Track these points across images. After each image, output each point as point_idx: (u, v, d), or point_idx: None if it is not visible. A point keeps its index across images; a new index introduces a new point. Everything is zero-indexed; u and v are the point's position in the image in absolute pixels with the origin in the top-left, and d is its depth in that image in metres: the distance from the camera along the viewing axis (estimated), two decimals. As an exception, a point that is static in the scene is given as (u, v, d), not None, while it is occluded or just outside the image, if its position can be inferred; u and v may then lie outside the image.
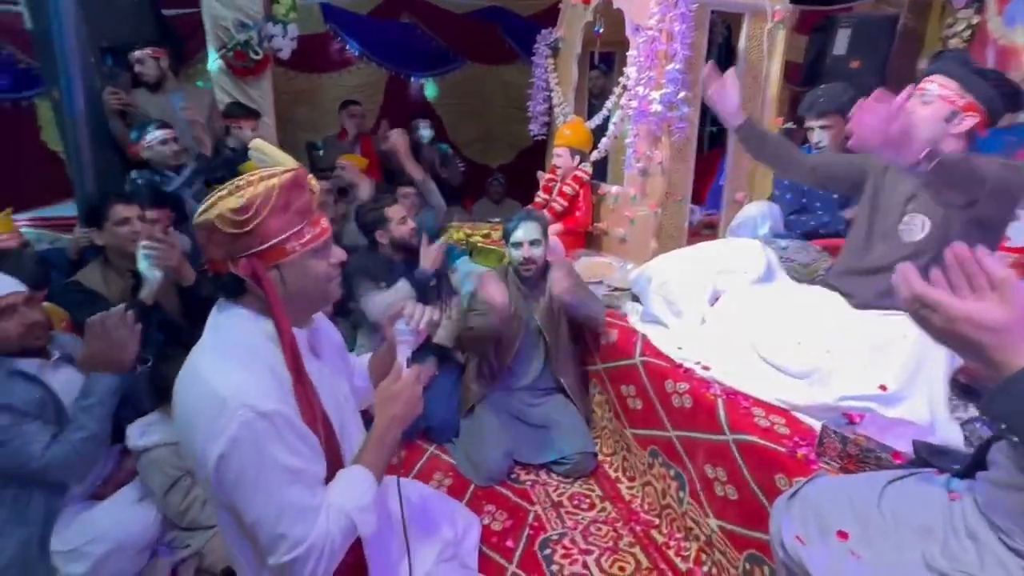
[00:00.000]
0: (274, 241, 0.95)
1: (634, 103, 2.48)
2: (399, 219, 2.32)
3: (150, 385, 1.64)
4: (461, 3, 5.15)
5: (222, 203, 0.92)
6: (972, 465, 0.92)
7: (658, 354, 1.93)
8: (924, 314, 0.70)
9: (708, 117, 3.36)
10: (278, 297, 0.97)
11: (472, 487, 2.08)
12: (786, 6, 2.51)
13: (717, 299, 2.00)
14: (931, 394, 1.40)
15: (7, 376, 1.49)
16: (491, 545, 1.76)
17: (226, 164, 2.77)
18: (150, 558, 1.63)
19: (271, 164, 1.02)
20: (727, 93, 1.78)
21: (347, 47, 4.82)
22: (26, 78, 3.94)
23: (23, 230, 2.81)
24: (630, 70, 2.52)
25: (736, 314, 1.88)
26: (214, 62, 3.30)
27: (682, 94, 2.35)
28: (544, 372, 2.30)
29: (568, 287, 2.07)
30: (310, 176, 1.04)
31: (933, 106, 1.44)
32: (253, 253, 0.94)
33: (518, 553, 1.75)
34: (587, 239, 3.12)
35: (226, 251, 0.94)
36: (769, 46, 2.55)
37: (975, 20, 3.13)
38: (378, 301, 2.18)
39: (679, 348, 1.93)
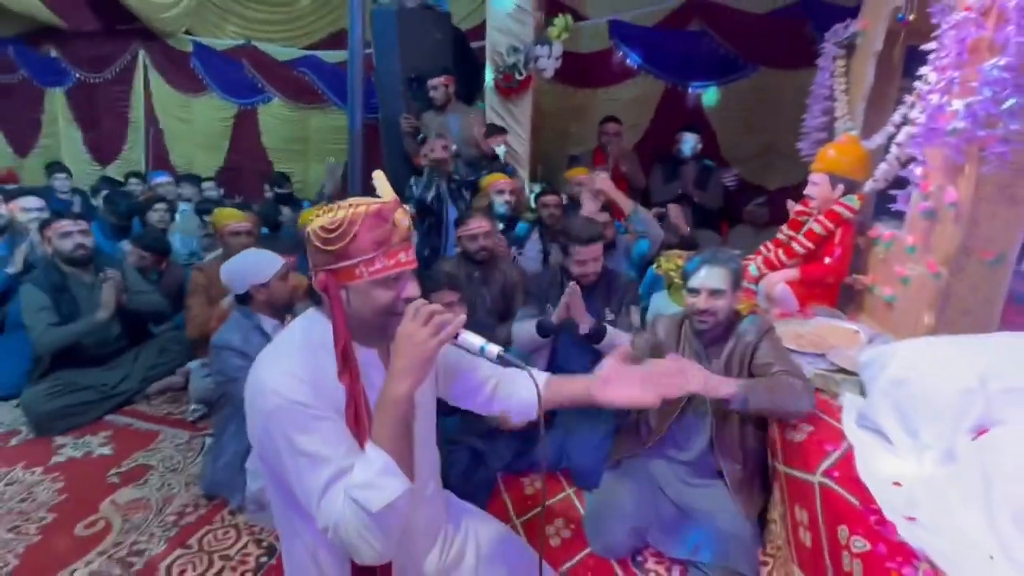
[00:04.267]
0: (347, 263, 1.01)
1: (922, 117, 1.74)
2: (578, 260, 2.17)
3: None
4: (766, 2, 4.53)
5: (319, 219, 1.02)
6: None
7: (852, 481, 1.33)
8: None
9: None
10: (342, 311, 1.03)
11: (586, 551, 1.84)
12: None
13: (983, 429, 1.26)
14: None
15: (251, 329, 2.02)
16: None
17: (468, 181, 3.17)
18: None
19: (382, 194, 1.08)
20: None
21: (628, 61, 4.81)
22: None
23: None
24: (927, 70, 1.78)
25: (1012, 463, 1.15)
26: (489, 83, 3.73)
27: (1009, 103, 1.52)
28: (710, 449, 1.86)
29: (730, 392, 1.55)
30: (399, 211, 1.06)
31: None
32: (329, 269, 1.03)
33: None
34: (841, 293, 2.37)
35: (314, 261, 1.05)
36: None
37: None
38: (520, 329, 2.19)
39: (895, 484, 1.29)
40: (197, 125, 6.18)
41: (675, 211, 3.45)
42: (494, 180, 3.14)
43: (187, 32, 5.98)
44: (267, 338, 2.01)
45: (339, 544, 0.94)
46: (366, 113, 5.71)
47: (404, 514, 0.97)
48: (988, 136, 1.58)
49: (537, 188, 3.75)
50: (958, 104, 1.61)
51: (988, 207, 1.69)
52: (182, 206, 4.51)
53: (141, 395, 2.84)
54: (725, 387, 1.56)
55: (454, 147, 3.44)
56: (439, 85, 3.62)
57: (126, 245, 3.33)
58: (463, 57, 4.22)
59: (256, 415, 1.00)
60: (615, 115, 4.10)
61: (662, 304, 2.45)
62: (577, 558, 1.81)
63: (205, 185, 4.88)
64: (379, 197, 1.07)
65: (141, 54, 6.07)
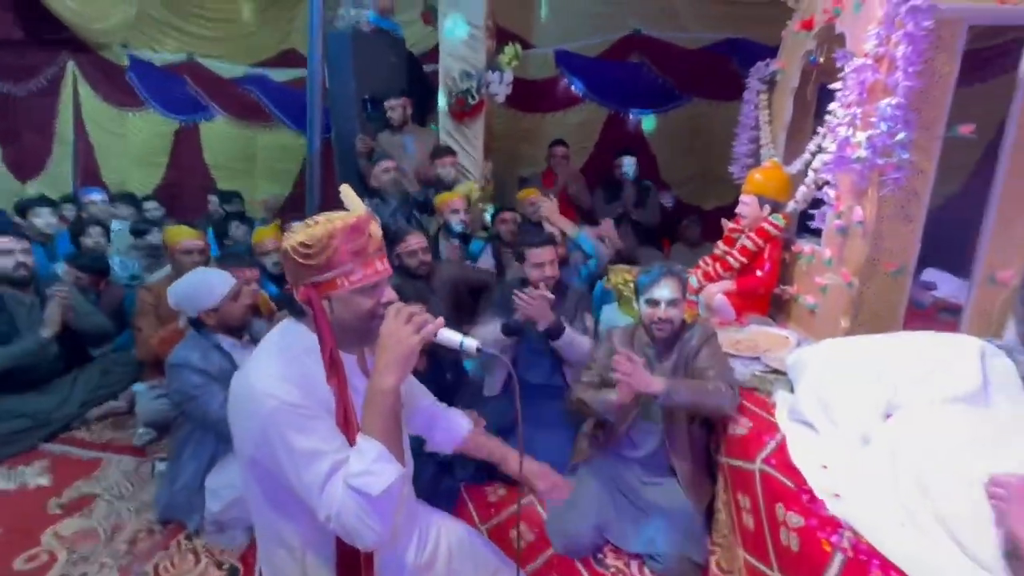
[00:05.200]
0: (327, 275, 1.07)
1: (833, 146, 2.00)
2: (535, 263, 2.32)
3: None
4: (696, 37, 4.93)
5: (296, 236, 1.08)
6: None
7: (786, 466, 1.50)
8: None
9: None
10: (326, 321, 1.09)
11: (550, 552, 1.93)
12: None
13: (891, 415, 1.46)
14: None
15: (209, 347, 1.99)
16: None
17: (419, 202, 3.25)
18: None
19: (352, 208, 1.14)
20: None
21: (573, 88, 5.08)
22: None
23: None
24: (835, 106, 2.04)
25: (917, 442, 1.34)
26: (443, 107, 3.85)
27: (901, 136, 1.79)
28: (662, 449, 2.01)
29: (658, 389, 1.73)
30: (373, 223, 1.14)
31: None
32: (311, 282, 1.08)
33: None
34: (772, 303, 2.61)
35: (294, 276, 1.11)
36: (1077, 68, 1.77)
37: None
38: (485, 332, 2.29)
39: (823, 467, 1.47)
40: (132, 141, 5.93)
41: (607, 227, 3.64)
42: (448, 199, 3.24)
43: (123, 45, 5.77)
44: (227, 356, 2.00)
45: (341, 531, 0.99)
46: (322, 134, 5.73)
47: (400, 497, 1.03)
48: (886, 164, 1.84)
49: (491, 208, 3.89)
50: (861, 136, 1.87)
51: (889, 224, 1.96)
52: (115, 224, 4.31)
53: (80, 421, 2.69)
54: (655, 385, 1.73)
55: (393, 165, 3.52)
56: (397, 106, 3.71)
57: (60, 267, 3.17)
58: (416, 80, 4.33)
59: (249, 420, 1.05)
60: (563, 139, 4.31)
61: (613, 316, 2.61)
62: (542, 559, 1.90)
63: (148, 205, 4.67)
64: (347, 211, 1.13)
65: (70, 66, 5.79)
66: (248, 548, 1.87)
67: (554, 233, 2.90)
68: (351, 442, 1.04)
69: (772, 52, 3.70)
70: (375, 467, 0.99)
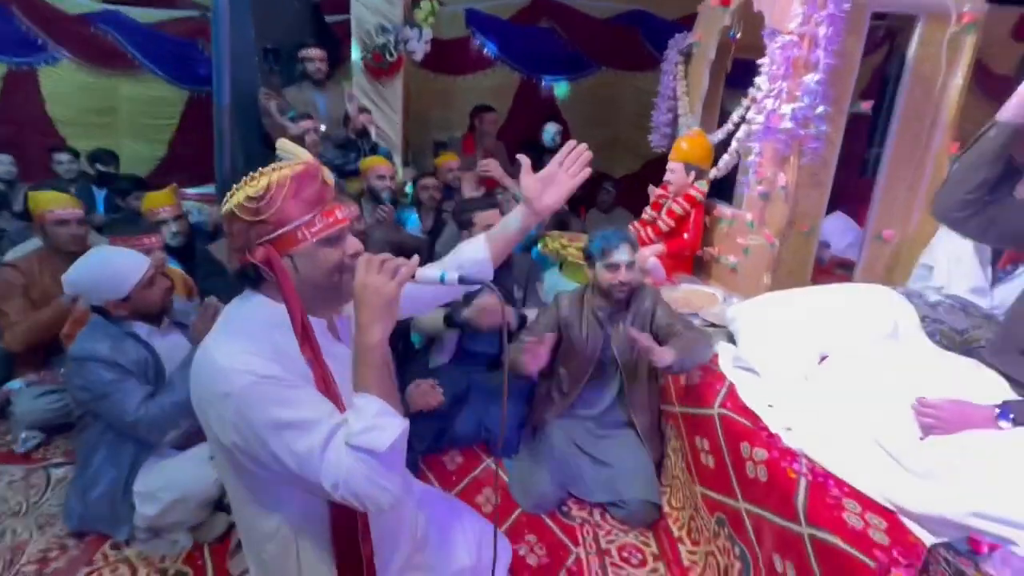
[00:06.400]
0: (286, 228, 0.97)
1: (760, 117, 2.18)
2: (483, 227, 2.28)
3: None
4: (603, 6, 5.03)
5: (240, 192, 0.96)
6: None
7: (741, 408, 1.66)
8: None
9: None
10: (291, 283, 0.98)
11: (518, 511, 1.98)
12: (978, 6, 2.02)
13: (825, 356, 1.67)
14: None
15: (121, 336, 1.71)
16: (521, 579, 1.66)
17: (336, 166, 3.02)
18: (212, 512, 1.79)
19: (293, 158, 1.04)
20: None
21: (485, 50, 4.96)
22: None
23: (190, 203, 3.30)
24: (761, 80, 2.22)
25: (849, 378, 1.55)
26: (357, 62, 3.57)
27: (820, 109, 2.00)
28: (616, 405, 2.12)
29: (671, 360, 1.75)
30: (324, 169, 1.05)
31: None
32: (267, 240, 0.97)
33: (547, 596, 1.62)
34: (695, 264, 2.83)
35: (244, 239, 0.98)
36: (950, 56, 2.08)
37: None
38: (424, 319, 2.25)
39: (769, 406, 1.64)
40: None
41: None
42: (374, 164, 3.05)
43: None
44: (144, 345, 1.74)
45: (352, 498, 0.91)
46: (195, 85, 5.03)
47: (404, 452, 0.98)
48: (806, 135, 2.05)
49: (412, 173, 3.73)
50: (786, 109, 2.06)
51: (804, 190, 2.19)
52: None
53: (-67, 430, 2.21)
54: (667, 356, 1.75)
55: (323, 127, 3.25)
56: (316, 59, 3.36)
57: None
58: (321, 29, 3.95)
59: (222, 406, 0.92)
60: (486, 104, 4.22)
61: (556, 281, 2.66)
62: (512, 519, 1.94)
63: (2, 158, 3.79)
64: (289, 161, 1.02)
65: None
66: (194, 550, 1.70)
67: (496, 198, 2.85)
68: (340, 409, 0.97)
69: (674, 26, 3.91)
70: (379, 421, 0.92)
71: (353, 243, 1.06)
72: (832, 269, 2.54)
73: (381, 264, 0.99)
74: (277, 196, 0.95)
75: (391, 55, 3.42)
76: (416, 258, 1.03)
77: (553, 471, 2.03)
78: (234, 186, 1.00)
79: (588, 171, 1.32)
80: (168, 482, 1.65)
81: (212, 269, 2.42)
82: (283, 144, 1.05)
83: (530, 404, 2.29)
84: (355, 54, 3.54)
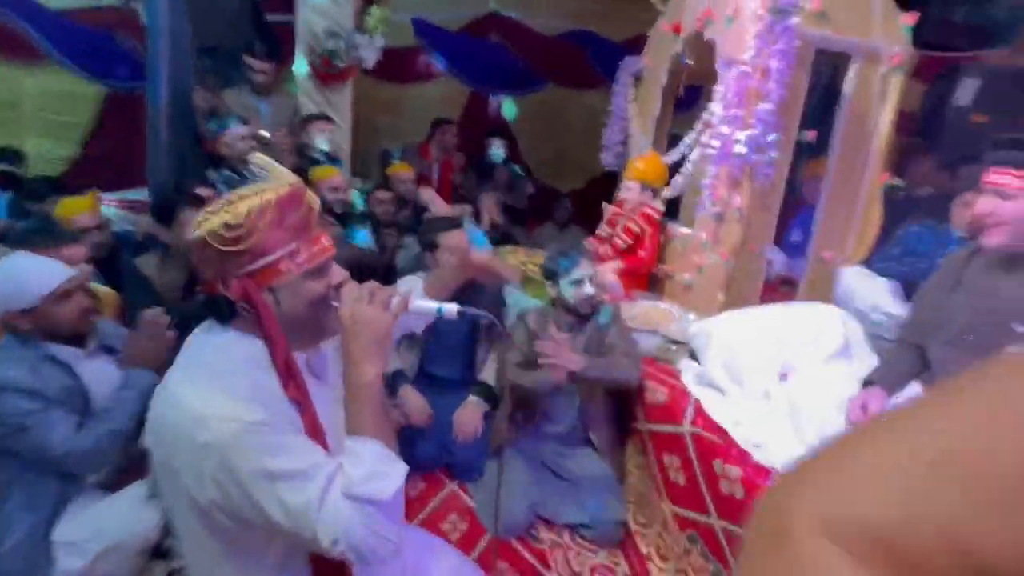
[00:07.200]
0: (268, 260, 0.88)
1: (716, 142, 2.27)
2: (447, 248, 2.21)
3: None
4: (551, 25, 5.12)
5: (215, 218, 0.85)
6: None
7: (713, 427, 1.70)
8: None
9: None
10: (274, 320, 0.90)
11: (487, 537, 1.92)
12: (906, 49, 2.23)
13: (786, 374, 1.75)
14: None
15: (39, 360, 1.50)
16: (495, 611, 1.59)
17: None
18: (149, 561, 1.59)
19: (273, 178, 0.95)
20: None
21: (433, 61, 4.90)
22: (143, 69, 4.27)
23: (111, 209, 2.99)
24: (715, 106, 2.32)
25: (807, 396, 1.63)
26: (302, 67, 3.40)
27: (772, 137, 2.11)
28: (579, 422, 2.12)
29: (578, 367, 1.85)
30: (308, 192, 0.97)
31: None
32: (245, 273, 0.88)
33: (523, 626, 1.57)
34: (649, 281, 2.90)
35: (217, 270, 0.88)
36: (882, 92, 2.27)
37: None
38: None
39: (736, 424, 1.69)
40: None
41: (489, 200, 3.66)
42: (327, 175, 2.90)
43: None
44: (67, 370, 1.54)
45: (352, 553, 0.83)
46: (113, 80, 4.60)
47: (403, 500, 0.92)
48: (759, 160, 2.16)
49: (359, 184, 3.59)
50: (741, 135, 2.16)
51: (754, 213, 2.31)
52: None
53: None
54: (574, 362, 1.84)
55: (267, 135, 3.06)
56: (264, 70, 3.17)
57: None
58: (261, 29, 3.74)
59: (201, 458, 0.82)
60: (446, 116, 4.16)
61: (521, 299, 2.64)
62: (481, 545, 1.88)
63: None
64: (269, 182, 0.93)
65: None
66: (127, 604, 1.50)
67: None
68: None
69: (620, 48, 4.04)
70: (381, 468, 0.86)
71: (338, 272, 0.98)
72: (778, 286, 2.68)
73: (371, 295, 0.92)
74: (259, 224, 0.85)
75: (341, 61, 3.29)
76: (411, 289, 0.98)
77: (521, 494, 1.98)
78: (205, 209, 0.89)
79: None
80: (98, 530, 1.46)
81: (141, 286, 2.19)
82: (260, 160, 0.96)
83: (491, 425, 2.24)
84: (300, 59, 3.37)
